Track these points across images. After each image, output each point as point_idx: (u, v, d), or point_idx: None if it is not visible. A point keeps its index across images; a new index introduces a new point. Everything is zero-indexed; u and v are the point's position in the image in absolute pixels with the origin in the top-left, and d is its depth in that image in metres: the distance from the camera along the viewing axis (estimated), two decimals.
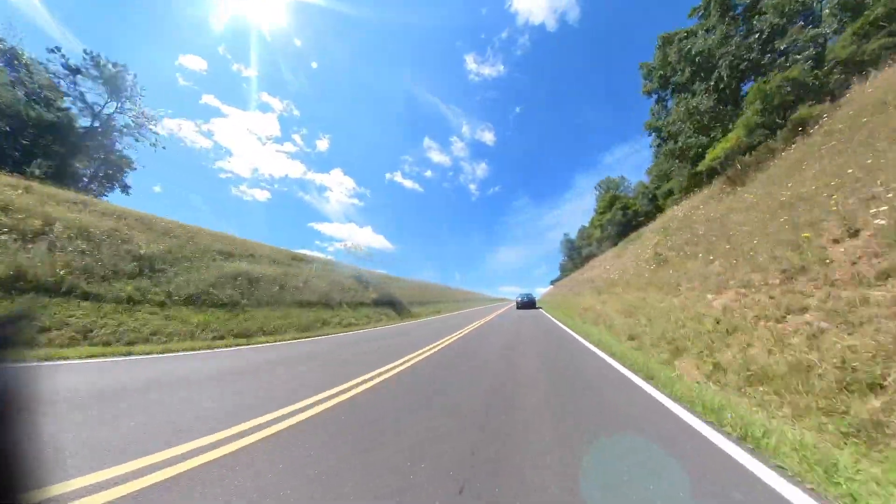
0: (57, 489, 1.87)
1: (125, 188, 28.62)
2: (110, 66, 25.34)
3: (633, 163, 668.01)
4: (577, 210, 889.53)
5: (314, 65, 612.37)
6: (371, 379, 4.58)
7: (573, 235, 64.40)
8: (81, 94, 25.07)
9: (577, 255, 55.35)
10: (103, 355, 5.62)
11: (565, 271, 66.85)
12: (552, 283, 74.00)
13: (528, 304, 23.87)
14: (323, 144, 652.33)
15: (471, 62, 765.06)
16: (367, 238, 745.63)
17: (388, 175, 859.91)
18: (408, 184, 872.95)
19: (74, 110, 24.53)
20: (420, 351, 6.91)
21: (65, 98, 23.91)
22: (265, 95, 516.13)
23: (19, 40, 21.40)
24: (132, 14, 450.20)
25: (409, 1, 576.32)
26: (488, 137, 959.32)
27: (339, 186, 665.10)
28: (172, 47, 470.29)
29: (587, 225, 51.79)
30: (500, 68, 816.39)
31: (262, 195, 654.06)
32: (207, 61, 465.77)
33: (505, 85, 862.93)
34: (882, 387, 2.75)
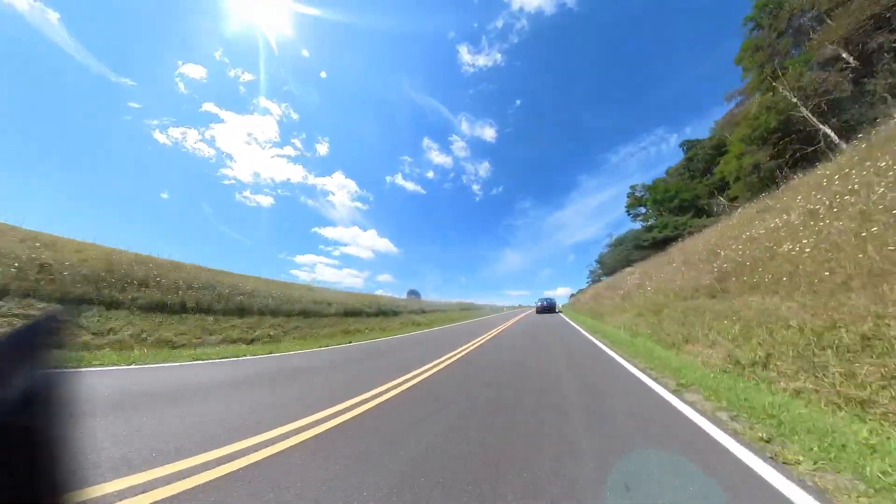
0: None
1: None
2: None
3: (640, 160, 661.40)
4: (584, 212, 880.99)
5: (323, 74, 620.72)
6: None
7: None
8: None
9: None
10: None
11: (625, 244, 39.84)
12: (591, 282, 55.67)
13: (548, 308, 27.39)
14: (323, 148, 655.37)
15: (465, 54, 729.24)
16: (371, 241, 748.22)
17: (388, 178, 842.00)
18: (409, 186, 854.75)
19: None
20: None
21: None
22: (263, 100, 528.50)
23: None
24: (137, 24, 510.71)
25: (403, 6, 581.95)
26: (489, 134, 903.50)
27: (341, 190, 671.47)
28: (174, 56, 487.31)
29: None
30: (496, 57, 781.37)
31: (265, 200, 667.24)
32: (207, 69, 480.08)
33: (503, 76, 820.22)
34: None
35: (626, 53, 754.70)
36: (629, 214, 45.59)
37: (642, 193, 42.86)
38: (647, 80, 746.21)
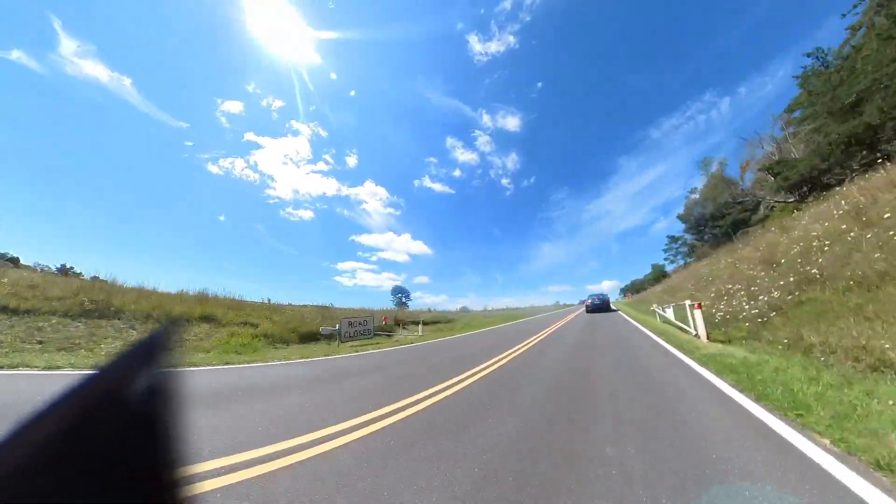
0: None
1: None
2: None
3: (686, 132, 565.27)
4: (626, 198, 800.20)
5: (352, 93, 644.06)
6: None
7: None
8: None
9: None
10: None
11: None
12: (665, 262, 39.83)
13: (600, 306, 24.48)
14: (352, 160, 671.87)
15: (475, 43, 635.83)
16: (406, 245, 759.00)
17: (416, 182, 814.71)
18: (437, 187, 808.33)
19: None
20: None
21: None
22: (294, 122, 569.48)
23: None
24: (186, 73, 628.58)
25: (410, 10, 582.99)
26: (512, 123, 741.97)
27: (372, 198, 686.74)
28: (215, 95, 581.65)
29: None
30: (509, 40, 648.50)
31: (306, 214, 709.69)
32: (243, 102, 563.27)
33: (519, 59, 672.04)
34: None
35: (659, 9, 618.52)
36: None
37: None
38: (689, 37, 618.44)
